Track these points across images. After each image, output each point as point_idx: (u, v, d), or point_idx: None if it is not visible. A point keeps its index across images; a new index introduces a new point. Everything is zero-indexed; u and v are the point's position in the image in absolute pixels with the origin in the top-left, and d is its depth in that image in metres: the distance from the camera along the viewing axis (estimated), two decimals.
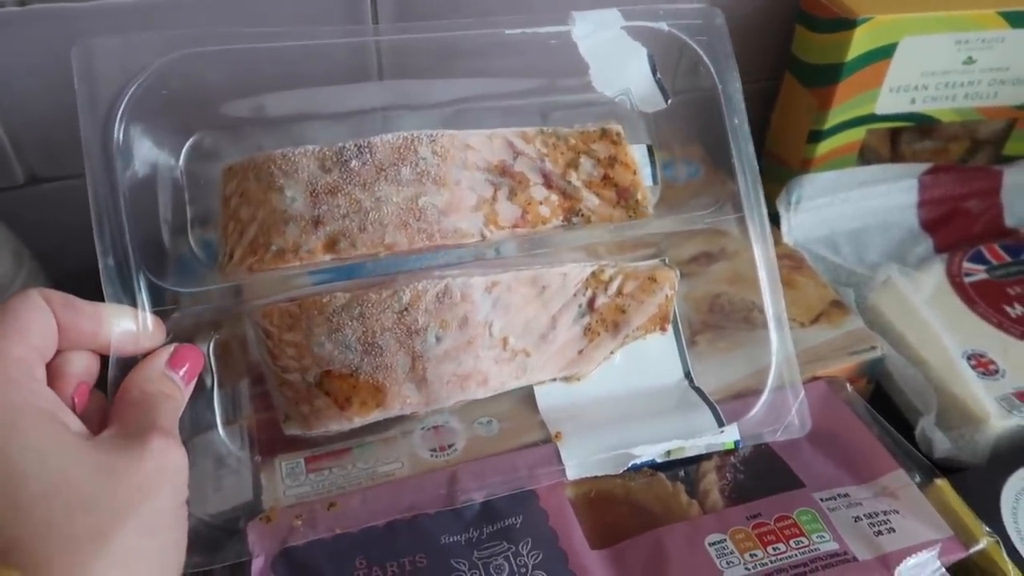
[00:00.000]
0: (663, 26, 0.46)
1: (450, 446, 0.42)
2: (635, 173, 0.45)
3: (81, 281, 0.38)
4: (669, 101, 0.47)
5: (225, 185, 0.42)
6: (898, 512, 0.39)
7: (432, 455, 0.41)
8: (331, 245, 0.40)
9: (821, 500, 0.40)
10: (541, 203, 0.43)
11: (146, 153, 0.41)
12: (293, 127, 0.44)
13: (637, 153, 0.46)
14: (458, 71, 0.46)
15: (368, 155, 0.41)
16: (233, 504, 0.39)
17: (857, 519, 0.39)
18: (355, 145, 0.41)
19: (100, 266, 0.37)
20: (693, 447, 0.42)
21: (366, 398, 0.39)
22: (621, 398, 0.44)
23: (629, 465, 0.41)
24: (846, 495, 0.40)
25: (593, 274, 0.44)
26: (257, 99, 0.45)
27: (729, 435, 0.43)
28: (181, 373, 0.36)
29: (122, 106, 0.39)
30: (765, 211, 0.45)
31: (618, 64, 0.46)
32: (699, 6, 0.47)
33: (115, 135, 0.39)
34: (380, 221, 0.40)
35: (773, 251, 0.45)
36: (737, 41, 0.61)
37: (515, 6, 0.54)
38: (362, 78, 0.50)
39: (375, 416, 0.40)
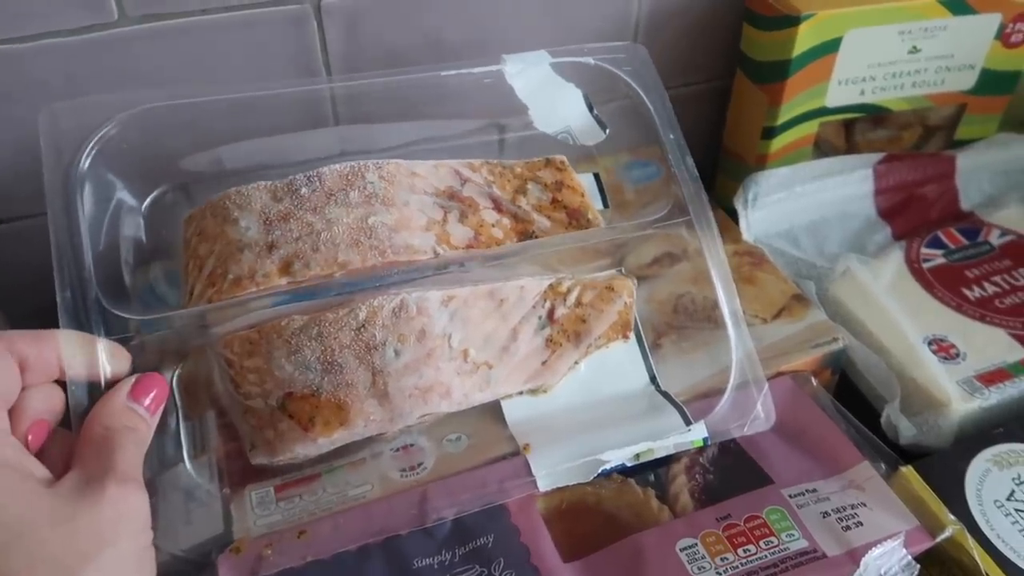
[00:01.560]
0: (590, 60, 0.48)
1: (419, 465, 0.41)
2: (583, 195, 0.46)
3: (39, 320, 0.37)
4: (607, 131, 0.49)
5: (186, 231, 0.43)
6: (865, 505, 0.39)
7: (402, 475, 0.41)
8: (286, 268, 0.40)
9: (790, 497, 0.40)
10: (493, 226, 0.44)
11: (108, 203, 0.42)
12: (251, 177, 0.44)
13: (585, 181, 0.48)
14: (408, 116, 0.48)
15: (317, 183, 0.41)
16: (204, 537, 0.38)
17: (825, 514, 0.39)
18: (304, 176, 0.42)
19: (58, 299, 0.36)
20: (662, 448, 0.42)
21: (329, 417, 0.39)
22: (588, 407, 0.43)
23: (599, 471, 0.40)
24: (814, 490, 0.40)
25: (551, 286, 0.43)
26: (216, 151, 0.46)
27: (697, 433, 0.42)
28: (146, 403, 0.35)
29: (84, 157, 0.40)
30: (712, 215, 0.45)
31: (555, 104, 0.48)
32: (623, 43, 0.49)
33: (76, 184, 0.39)
34: (332, 241, 0.41)
35: (723, 253, 0.45)
36: (689, 41, 0.62)
37: (481, 50, 0.55)
38: (319, 126, 0.51)
39: (340, 435, 0.39)
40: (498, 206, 0.45)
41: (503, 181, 0.46)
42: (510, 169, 0.47)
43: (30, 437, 0.32)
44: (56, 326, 0.36)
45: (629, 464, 0.41)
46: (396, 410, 0.39)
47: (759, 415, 0.43)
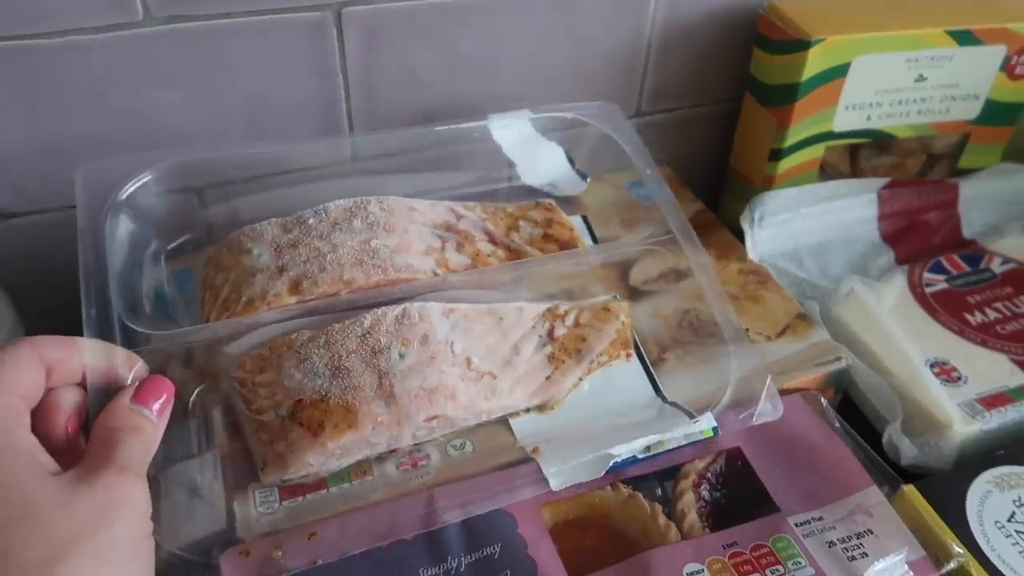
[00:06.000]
0: (568, 115, 0.53)
1: (424, 466, 0.40)
2: (572, 229, 0.49)
3: (50, 309, 0.40)
4: (588, 180, 0.55)
5: (204, 269, 0.46)
6: (872, 532, 0.38)
7: (408, 477, 0.40)
8: (295, 287, 0.43)
9: (796, 525, 0.39)
10: (489, 256, 0.46)
11: (133, 244, 0.45)
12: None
13: (574, 223, 0.51)
14: (418, 168, 0.52)
15: (324, 215, 0.46)
16: (205, 533, 0.37)
17: (831, 544, 0.38)
18: (312, 210, 0.46)
19: (83, 316, 0.38)
20: (672, 440, 0.41)
21: (338, 421, 0.38)
22: (596, 418, 0.43)
23: (610, 464, 0.39)
24: (820, 518, 0.39)
25: (548, 310, 0.44)
26: (232, 204, 0.50)
27: (706, 423, 0.41)
28: (154, 407, 0.35)
29: (116, 202, 0.44)
30: (695, 236, 0.47)
31: (538, 160, 0.54)
32: (597, 103, 0.54)
33: (106, 227, 0.42)
34: (338, 261, 0.44)
35: (715, 276, 0.46)
36: (700, 63, 0.62)
37: (499, 63, 0.58)
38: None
39: (348, 438, 0.38)
40: (492, 239, 0.47)
41: (496, 219, 0.48)
42: (502, 209, 0.50)
43: (68, 428, 0.33)
44: (64, 321, 0.37)
45: (640, 457, 0.40)
46: (403, 411, 0.39)
47: (766, 406, 0.42)
